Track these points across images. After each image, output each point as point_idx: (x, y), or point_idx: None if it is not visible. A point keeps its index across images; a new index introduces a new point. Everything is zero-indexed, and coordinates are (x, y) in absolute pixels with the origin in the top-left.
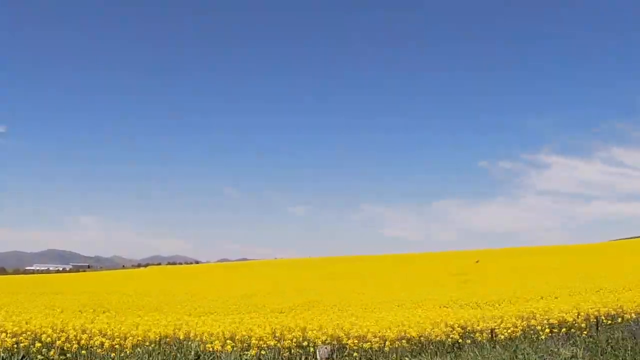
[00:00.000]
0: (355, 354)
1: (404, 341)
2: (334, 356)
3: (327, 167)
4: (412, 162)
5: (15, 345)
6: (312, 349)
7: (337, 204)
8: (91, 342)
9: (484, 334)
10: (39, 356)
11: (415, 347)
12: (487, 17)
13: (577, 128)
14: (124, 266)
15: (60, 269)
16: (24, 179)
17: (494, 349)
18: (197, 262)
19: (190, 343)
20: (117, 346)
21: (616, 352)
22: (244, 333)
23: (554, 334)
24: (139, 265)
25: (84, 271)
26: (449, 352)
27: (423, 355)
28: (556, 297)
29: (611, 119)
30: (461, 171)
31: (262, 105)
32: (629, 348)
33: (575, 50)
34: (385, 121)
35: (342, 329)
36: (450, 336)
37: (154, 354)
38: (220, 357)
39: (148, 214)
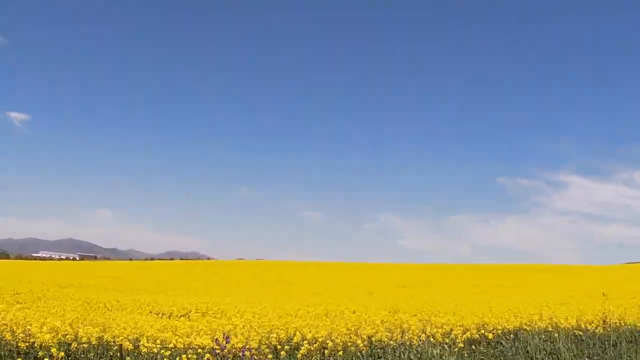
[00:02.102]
0: None
1: None
2: None
3: (345, 174)
4: (431, 174)
5: None
6: None
7: (353, 212)
8: None
9: None
10: None
11: None
12: (513, 33)
13: (598, 149)
14: (131, 259)
15: (64, 257)
16: (45, 168)
17: None
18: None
19: None
20: None
21: None
22: None
23: None
24: (152, 259)
25: (90, 261)
26: None
27: None
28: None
29: (635, 142)
30: (479, 186)
31: (284, 108)
32: None
33: (602, 71)
34: (407, 131)
35: None
36: None
37: None
38: None
39: (165, 210)
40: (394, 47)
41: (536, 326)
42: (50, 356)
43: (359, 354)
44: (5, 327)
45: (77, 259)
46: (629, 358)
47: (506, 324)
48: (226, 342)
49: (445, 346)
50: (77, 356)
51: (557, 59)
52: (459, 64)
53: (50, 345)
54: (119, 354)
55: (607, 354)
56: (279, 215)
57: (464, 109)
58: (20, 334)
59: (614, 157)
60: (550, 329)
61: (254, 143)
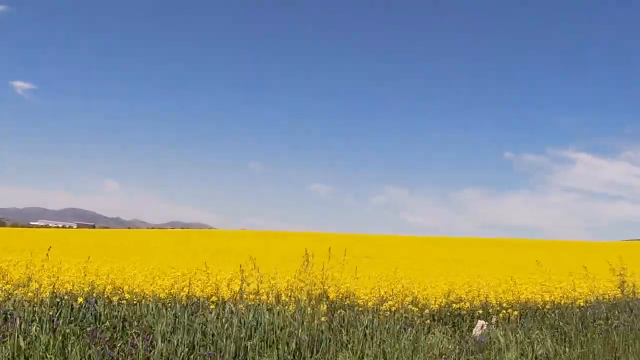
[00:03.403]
0: None
1: None
2: None
3: (353, 148)
4: (438, 148)
5: None
6: None
7: (359, 186)
8: None
9: None
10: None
11: None
12: (521, 11)
13: (606, 127)
14: (129, 227)
15: (60, 225)
16: (51, 138)
17: None
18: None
19: None
20: None
21: None
22: None
23: None
24: (152, 228)
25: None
26: None
27: None
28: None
29: None
30: (486, 161)
31: (293, 83)
32: None
33: (613, 49)
34: (415, 106)
35: None
36: None
37: None
38: None
39: (173, 182)
40: (411, 31)
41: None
42: None
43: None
44: None
45: (75, 227)
46: None
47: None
48: None
49: None
50: None
51: (567, 34)
52: (467, 40)
53: None
54: None
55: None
56: (287, 188)
57: (472, 84)
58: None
59: (621, 135)
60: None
61: (262, 116)
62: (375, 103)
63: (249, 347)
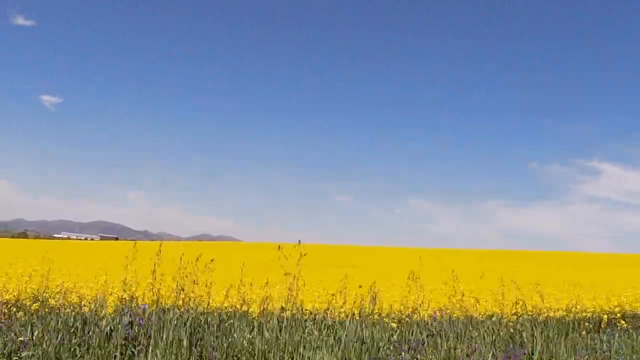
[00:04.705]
0: None
1: None
2: None
3: (377, 160)
4: (461, 159)
5: None
6: None
7: (384, 197)
8: None
9: None
10: None
11: None
12: (546, 18)
13: (631, 136)
14: (152, 240)
15: (82, 238)
16: (77, 151)
17: None
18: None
19: None
20: None
21: None
22: None
23: None
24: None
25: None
26: None
27: None
28: None
29: None
30: (510, 172)
31: (317, 91)
32: None
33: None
34: (438, 118)
35: None
36: None
37: None
38: None
39: (199, 194)
40: (433, 35)
41: None
42: None
43: None
44: None
45: (97, 239)
46: None
47: None
48: None
49: None
50: None
51: (591, 43)
52: (490, 50)
53: None
54: None
55: None
56: (312, 199)
57: (496, 93)
58: None
59: None
60: None
61: (286, 127)
62: (400, 113)
63: None
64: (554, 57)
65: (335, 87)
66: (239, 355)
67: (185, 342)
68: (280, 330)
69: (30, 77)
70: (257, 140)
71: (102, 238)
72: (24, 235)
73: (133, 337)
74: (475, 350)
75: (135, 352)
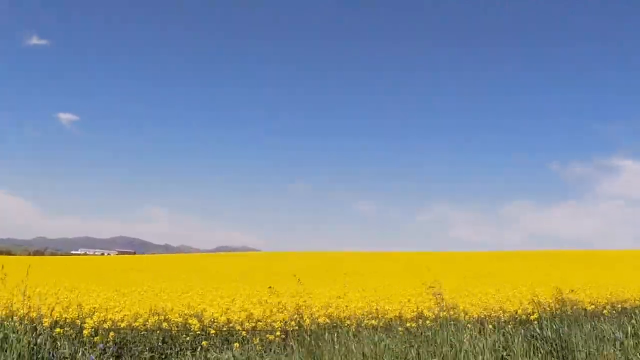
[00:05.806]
0: None
1: None
2: None
3: (398, 165)
4: (483, 162)
5: None
6: None
7: (405, 203)
8: None
9: None
10: None
11: None
12: (566, 17)
13: None
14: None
15: (99, 253)
16: (95, 168)
17: None
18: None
19: None
20: None
21: None
22: None
23: None
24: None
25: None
26: None
27: None
28: None
29: None
30: (532, 173)
31: (337, 102)
32: None
33: None
34: (458, 122)
35: None
36: None
37: None
38: None
39: (219, 207)
40: (455, 44)
41: None
42: None
43: None
44: None
45: (114, 254)
46: None
47: None
48: None
49: None
50: None
51: (611, 42)
52: (509, 51)
53: None
54: None
55: None
56: (332, 207)
57: (516, 95)
58: None
59: None
60: None
61: (306, 137)
62: (419, 120)
63: None
64: (573, 58)
65: (349, 100)
66: None
67: None
68: None
69: (47, 95)
70: (275, 154)
71: (120, 253)
72: (39, 253)
73: None
74: None
75: None
